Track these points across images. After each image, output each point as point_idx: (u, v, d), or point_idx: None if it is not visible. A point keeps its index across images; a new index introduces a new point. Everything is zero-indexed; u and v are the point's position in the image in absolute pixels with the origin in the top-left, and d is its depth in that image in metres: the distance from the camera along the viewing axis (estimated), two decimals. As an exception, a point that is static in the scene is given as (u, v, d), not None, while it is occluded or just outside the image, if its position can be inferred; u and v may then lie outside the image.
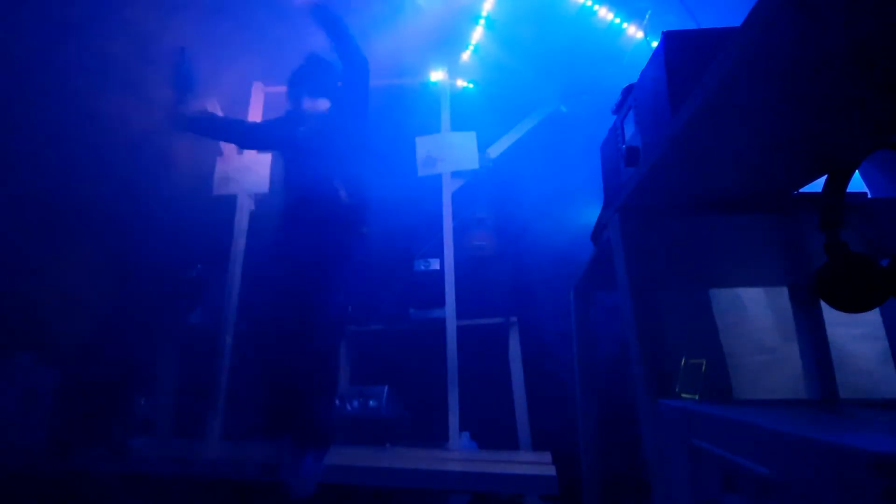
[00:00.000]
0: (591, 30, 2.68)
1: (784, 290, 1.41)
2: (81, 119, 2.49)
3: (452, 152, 2.72)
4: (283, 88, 2.99)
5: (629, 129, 0.95)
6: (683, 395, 2.14)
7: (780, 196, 0.88)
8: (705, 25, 2.20)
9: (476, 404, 2.51)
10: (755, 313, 2.00)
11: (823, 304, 0.96)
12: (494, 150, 2.89)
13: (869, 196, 0.89)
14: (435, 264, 2.68)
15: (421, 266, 2.72)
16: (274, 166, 2.60)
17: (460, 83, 3.02)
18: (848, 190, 0.77)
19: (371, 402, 2.42)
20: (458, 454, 2.20)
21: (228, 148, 2.92)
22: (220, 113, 2.96)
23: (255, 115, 2.95)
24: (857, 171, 0.90)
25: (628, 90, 0.96)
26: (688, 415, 0.59)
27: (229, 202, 2.79)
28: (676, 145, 0.69)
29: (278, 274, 1.74)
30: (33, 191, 2.49)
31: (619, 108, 1.01)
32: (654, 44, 0.83)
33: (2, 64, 2.22)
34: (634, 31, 2.64)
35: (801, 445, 0.37)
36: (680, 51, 0.76)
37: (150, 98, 2.66)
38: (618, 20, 2.62)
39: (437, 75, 2.90)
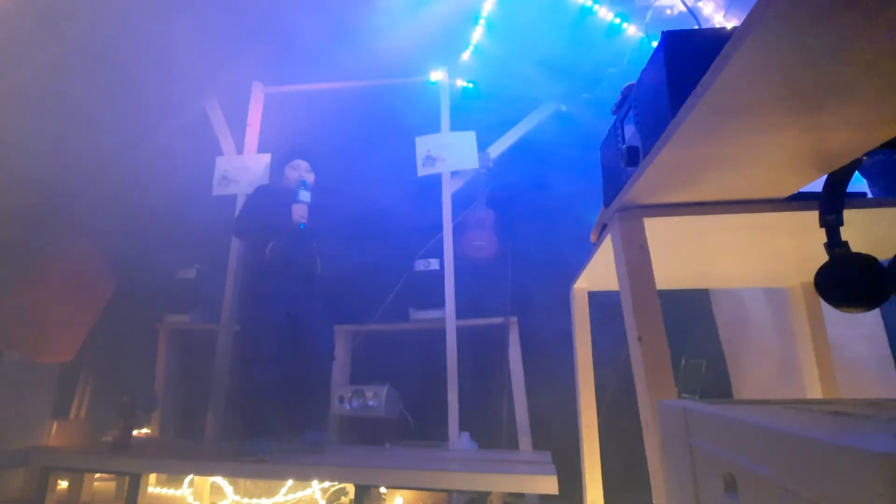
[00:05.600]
0: (591, 30, 2.68)
1: (784, 290, 1.41)
2: (81, 118, 2.49)
3: (452, 152, 2.72)
4: (283, 88, 3.00)
5: (629, 129, 0.95)
6: (683, 395, 2.14)
7: (780, 196, 0.88)
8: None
9: (476, 404, 2.51)
10: (755, 313, 2.00)
11: (823, 304, 0.96)
12: (494, 150, 2.89)
13: (869, 196, 0.89)
14: (435, 264, 2.68)
15: (421, 266, 2.72)
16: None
17: (460, 83, 3.02)
18: (848, 190, 0.77)
19: (371, 402, 2.42)
20: (458, 454, 2.20)
21: (228, 148, 2.92)
22: (220, 113, 2.96)
23: (254, 114, 2.95)
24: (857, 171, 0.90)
25: (628, 90, 0.96)
26: (688, 415, 0.59)
27: (229, 202, 2.79)
28: (676, 145, 0.69)
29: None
30: (30, 191, 2.48)
31: (619, 108, 1.01)
32: (654, 44, 0.83)
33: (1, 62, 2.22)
34: (634, 31, 2.64)
35: (802, 445, 0.37)
36: (680, 51, 0.76)
37: (150, 97, 2.67)
38: (618, 20, 2.62)
39: (437, 75, 2.90)
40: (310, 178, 2.43)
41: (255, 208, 2.34)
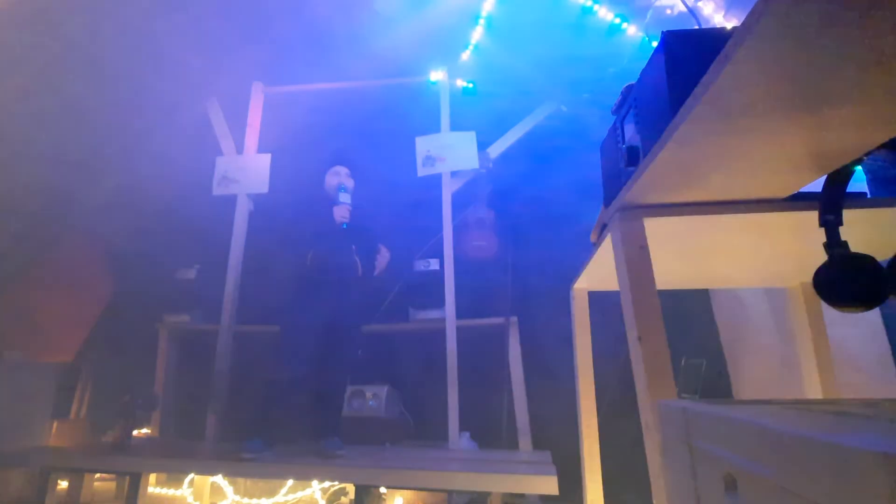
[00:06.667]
0: (591, 30, 2.68)
1: (784, 290, 1.41)
2: (81, 118, 2.49)
3: (452, 152, 2.72)
4: (283, 88, 3.00)
5: (629, 129, 0.95)
6: (683, 395, 2.14)
7: (780, 196, 0.88)
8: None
9: (476, 404, 2.51)
10: (755, 313, 2.00)
11: (823, 304, 0.96)
12: (494, 150, 2.89)
13: (869, 196, 0.90)
14: (435, 264, 2.68)
15: (421, 266, 2.71)
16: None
17: (460, 83, 3.02)
18: (848, 190, 0.77)
19: (371, 402, 2.42)
20: (458, 454, 2.20)
21: (228, 148, 2.92)
22: (220, 113, 2.96)
23: (254, 114, 2.95)
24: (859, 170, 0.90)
25: (628, 90, 0.96)
26: (688, 415, 0.59)
27: (229, 202, 2.79)
28: (676, 145, 0.69)
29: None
30: (30, 191, 2.48)
31: (619, 108, 1.01)
32: (654, 44, 0.83)
33: (0, 63, 2.22)
34: (634, 31, 2.64)
35: (802, 445, 0.37)
36: (680, 51, 0.76)
37: (149, 97, 2.67)
38: (618, 20, 2.62)
39: (437, 75, 2.90)
40: (349, 183, 2.46)
41: (297, 217, 2.38)
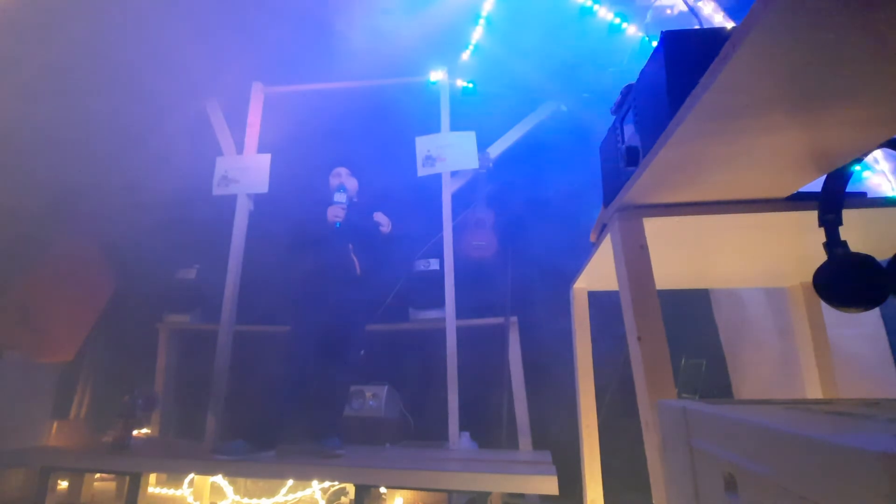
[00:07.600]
0: (591, 30, 2.68)
1: (784, 290, 1.41)
2: (81, 118, 2.49)
3: (452, 152, 2.72)
4: (283, 88, 3.00)
5: (629, 129, 0.95)
6: (683, 395, 2.14)
7: (779, 196, 0.88)
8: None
9: (476, 404, 2.51)
10: (755, 313, 2.00)
11: (823, 304, 0.96)
12: (494, 150, 2.89)
13: (868, 196, 0.89)
14: (435, 264, 2.68)
15: (421, 266, 2.71)
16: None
17: (460, 83, 3.02)
18: (847, 190, 0.77)
19: (371, 402, 2.42)
20: (458, 454, 2.20)
21: (228, 148, 2.92)
22: (220, 113, 2.96)
23: (254, 114, 2.95)
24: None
25: (628, 90, 0.96)
26: (688, 415, 0.59)
27: (229, 202, 2.79)
28: (676, 145, 0.69)
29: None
30: (30, 191, 2.48)
31: (619, 108, 1.01)
32: (654, 44, 0.83)
33: (1, 63, 2.22)
34: (634, 31, 2.64)
35: (802, 445, 0.37)
36: (680, 51, 0.76)
37: (149, 97, 2.67)
38: (618, 20, 2.62)
39: (437, 75, 2.90)
40: (350, 183, 2.51)
41: (294, 220, 2.45)
